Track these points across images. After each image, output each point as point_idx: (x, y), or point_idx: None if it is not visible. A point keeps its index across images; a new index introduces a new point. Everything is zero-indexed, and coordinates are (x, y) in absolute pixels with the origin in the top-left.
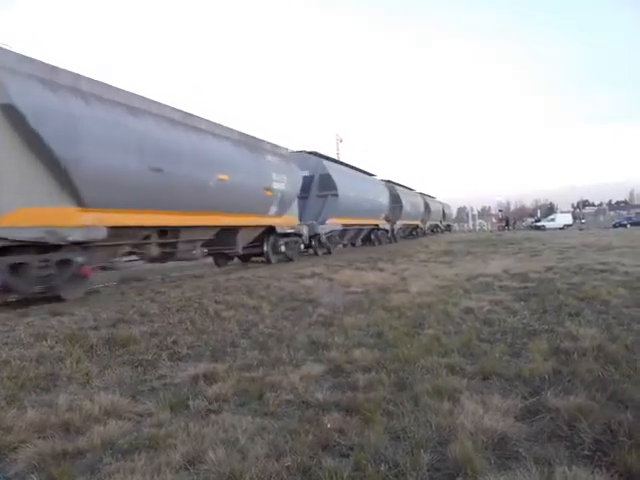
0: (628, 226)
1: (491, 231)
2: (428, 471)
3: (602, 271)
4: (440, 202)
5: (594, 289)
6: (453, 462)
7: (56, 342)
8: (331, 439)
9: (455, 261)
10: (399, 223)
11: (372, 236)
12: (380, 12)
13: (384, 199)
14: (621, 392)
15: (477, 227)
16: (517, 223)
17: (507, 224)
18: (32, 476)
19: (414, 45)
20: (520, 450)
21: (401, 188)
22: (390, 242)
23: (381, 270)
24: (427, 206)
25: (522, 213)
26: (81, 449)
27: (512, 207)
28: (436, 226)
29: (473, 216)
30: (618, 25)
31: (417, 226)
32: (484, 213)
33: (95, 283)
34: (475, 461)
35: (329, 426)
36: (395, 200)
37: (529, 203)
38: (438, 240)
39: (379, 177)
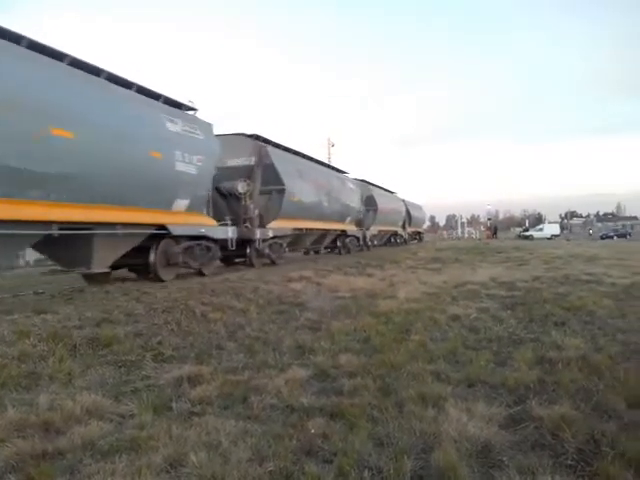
0: (615, 238)
1: (479, 239)
2: (411, 478)
3: (588, 282)
4: (420, 207)
5: (580, 299)
6: (436, 469)
7: (39, 340)
8: (315, 444)
9: (443, 268)
10: (373, 229)
11: (338, 243)
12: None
13: (354, 201)
14: (605, 402)
15: (466, 235)
16: (497, 233)
17: (495, 233)
18: (10, 476)
19: (407, 45)
20: (503, 459)
21: (378, 190)
22: (361, 250)
23: (369, 275)
24: (409, 212)
25: (510, 222)
26: (61, 449)
27: (501, 216)
28: (418, 233)
29: (462, 224)
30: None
31: (396, 233)
32: (473, 221)
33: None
34: (459, 469)
35: (313, 431)
36: (370, 203)
37: (518, 212)
38: (418, 250)
39: (352, 176)
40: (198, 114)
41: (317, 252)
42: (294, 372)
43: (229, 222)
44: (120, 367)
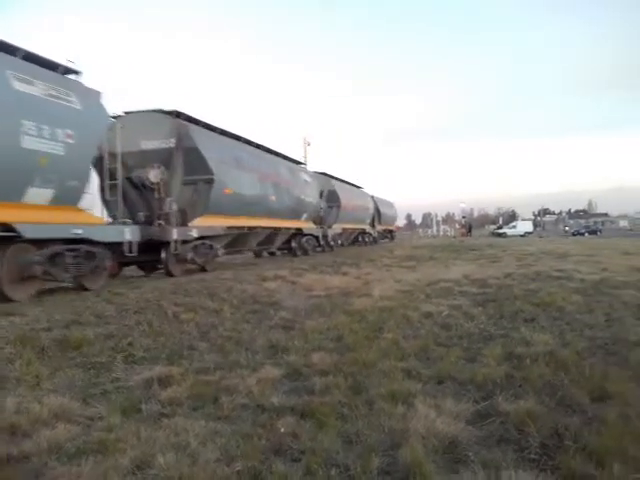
0: (586, 234)
1: (454, 237)
2: (378, 475)
3: (559, 278)
4: (391, 204)
5: (550, 295)
6: (403, 466)
7: (6, 343)
8: (284, 443)
9: (419, 266)
10: (336, 227)
11: (293, 244)
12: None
13: (311, 195)
14: (569, 397)
15: (441, 233)
16: (471, 230)
17: (469, 230)
18: None
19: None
20: (469, 454)
21: (341, 184)
22: (323, 251)
23: (345, 274)
24: (378, 209)
25: (485, 220)
26: (27, 453)
27: (476, 214)
28: (389, 231)
29: (437, 222)
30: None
31: (364, 231)
32: (448, 219)
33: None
34: (425, 465)
35: (282, 430)
36: (332, 198)
37: (492, 210)
38: (393, 248)
39: (312, 168)
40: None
41: (273, 254)
42: (266, 371)
43: (130, 220)
44: (89, 369)
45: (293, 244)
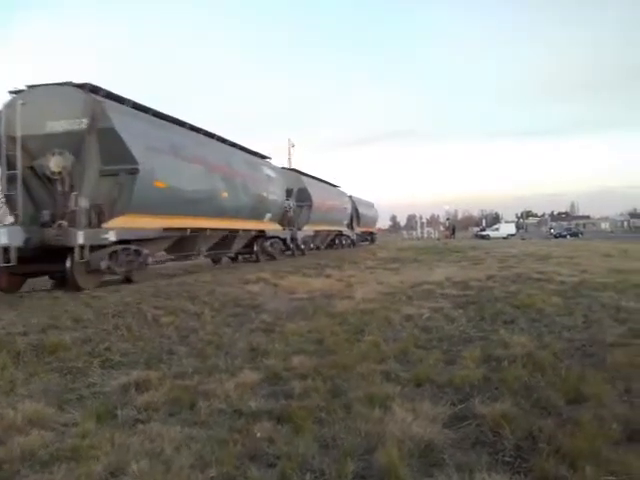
0: (568, 237)
1: (438, 239)
2: (353, 479)
3: (539, 280)
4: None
5: (529, 297)
6: (378, 470)
7: None
8: (260, 449)
9: (402, 268)
10: (308, 229)
11: (255, 247)
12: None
13: (276, 193)
14: (545, 399)
15: (425, 235)
16: (455, 232)
17: (453, 232)
18: None
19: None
20: (444, 457)
21: (314, 181)
22: (292, 255)
23: (328, 276)
24: (357, 210)
25: (469, 222)
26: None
27: (460, 215)
28: (370, 234)
29: (422, 224)
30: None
31: (340, 233)
32: (433, 221)
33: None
34: (399, 469)
35: (259, 435)
36: (303, 197)
37: (476, 212)
38: (376, 250)
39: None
40: None
41: (235, 259)
42: (245, 376)
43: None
44: (65, 374)
45: (255, 248)
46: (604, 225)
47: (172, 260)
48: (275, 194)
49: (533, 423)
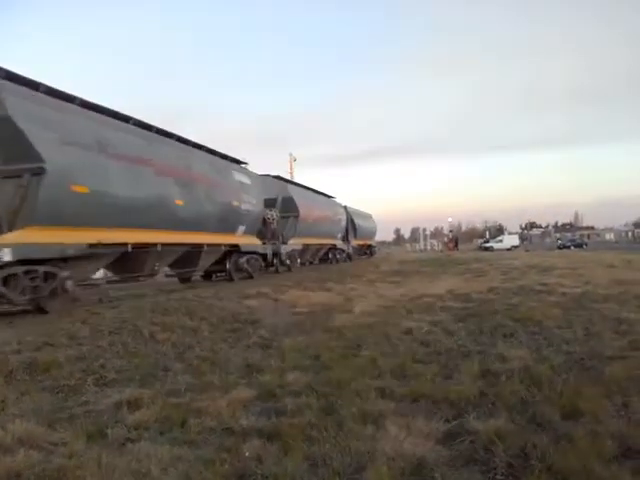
0: (572, 248)
1: (441, 251)
2: None
3: (541, 292)
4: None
5: (530, 310)
6: None
7: None
8: (248, 468)
9: (404, 281)
10: (294, 243)
11: (228, 265)
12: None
13: (250, 202)
14: (540, 414)
15: (429, 247)
16: (458, 244)
17: (456, 244)
18: None
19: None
20: (436, 475)
21: (301, 190)
22: (277, 272)
23: (328, 290)
24: (353, 222)
25: (473, 234)
26: None
27: (464, 228)
28: (368, 247)
29: (425, 236)
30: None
31: (334, 247)
32: (437, 233)
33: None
34: None
35: (247, 454)
36: (288, 207)
37: (479, 224)
38: (380, 263)
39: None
40: None
41: (208, 277)
42: (239, 393)
43: None
44: (58, 393)
45: (228, 265)
46: (608, 236)
47: (117, 282)
48: (250, 203)
49: (527, 439)
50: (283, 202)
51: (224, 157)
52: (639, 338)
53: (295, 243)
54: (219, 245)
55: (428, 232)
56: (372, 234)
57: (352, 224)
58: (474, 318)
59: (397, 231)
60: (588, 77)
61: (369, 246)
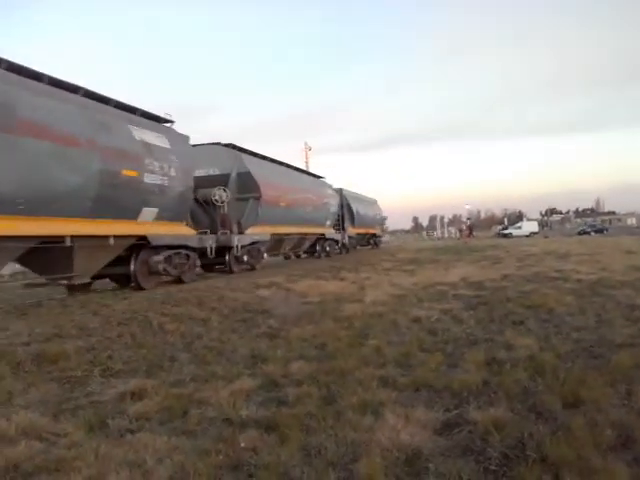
0: (592, 234)
1: (458, 238)
2: None
3: (556, 279)
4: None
5: (542, 297)
6: None
7: None
8: (243, 459)
9: (418, 269)
10: (257, 232)
11: (132, 266)
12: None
13: (167, 175)
14: (541, 403)
15: (446, 235)
16: (473, 232)
17: (471, 232)
18: None
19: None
20: (430, 466)
21: (264, 163)
22: (231, 272)
23: (342, 279)
24: (349, 207)
25: (492, 221)
26: None
27: (483, 215)
28: (372, 236)
29: (443, 224)
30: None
31: (323, 236)
32: (455, 221)
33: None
34: (379, 479)
35: (243, 445)
36: (246, 186)
37: (499, 211)
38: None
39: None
40: None
41: (126, 283)
42: (242, 382)
43: None
44: (64, 384)
45: (132, 267)
46: (630, 221)
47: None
48: (166, 176)
49: (525, 429)
50: (238, 179)
51: (119, 106)
52: None
53: (258, 233)
54: (103, 237)
55: (446, 220)
56: (376, 222)
57: (349, 210)
58: (484, 306)
59: (415, 219)
60: (610, 61)
61: (373, 235)
